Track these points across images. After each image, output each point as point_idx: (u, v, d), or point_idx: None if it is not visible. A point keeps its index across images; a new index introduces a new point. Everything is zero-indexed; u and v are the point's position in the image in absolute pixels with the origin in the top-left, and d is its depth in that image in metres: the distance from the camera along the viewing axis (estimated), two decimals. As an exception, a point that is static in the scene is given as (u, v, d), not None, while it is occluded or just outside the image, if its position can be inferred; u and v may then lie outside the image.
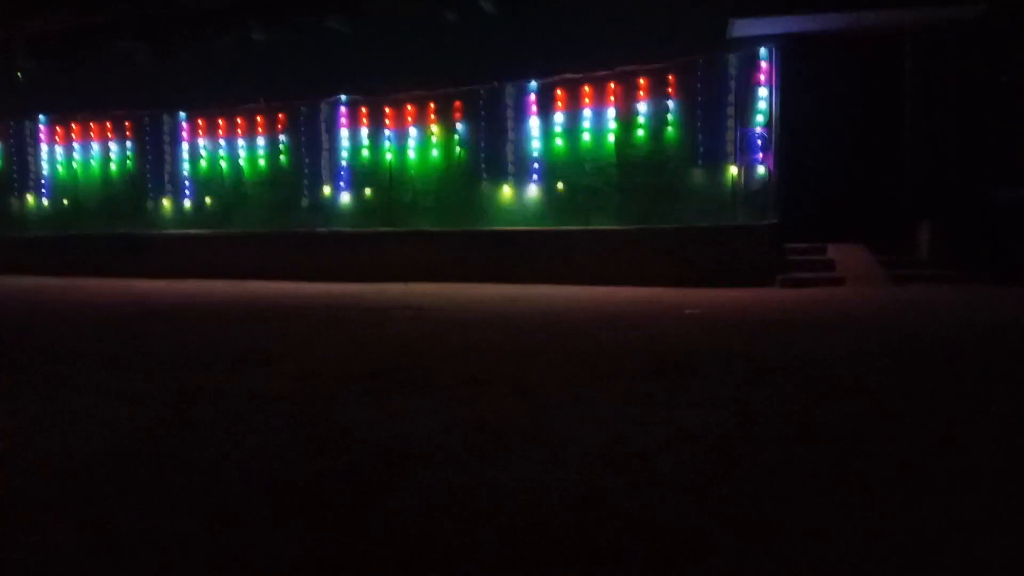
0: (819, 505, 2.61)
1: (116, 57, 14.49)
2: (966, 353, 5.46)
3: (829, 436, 3.40)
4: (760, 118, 10.83)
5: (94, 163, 15.31)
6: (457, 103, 12.43)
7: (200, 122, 14.30)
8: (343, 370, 5.10)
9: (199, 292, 11.07)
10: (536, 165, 12.06)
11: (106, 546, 2.40)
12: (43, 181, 15.82)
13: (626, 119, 11.53)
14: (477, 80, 12.27)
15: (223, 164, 14.21)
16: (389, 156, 13.04)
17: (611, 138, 11.64)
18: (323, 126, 13.41)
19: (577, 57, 11.60)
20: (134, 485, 2.96)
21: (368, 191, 13.21)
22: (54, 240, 15.04)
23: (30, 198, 15.96)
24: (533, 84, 11.97)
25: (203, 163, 14.38)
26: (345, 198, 13.39)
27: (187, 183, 14.55)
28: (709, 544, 2.32)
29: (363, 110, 13.12)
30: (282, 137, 13.70)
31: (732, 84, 10.90)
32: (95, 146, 15.25)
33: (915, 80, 10.56)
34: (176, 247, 13.93)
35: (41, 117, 15.60)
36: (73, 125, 15.30)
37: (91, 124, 15.18)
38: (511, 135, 12.16)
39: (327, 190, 13.50)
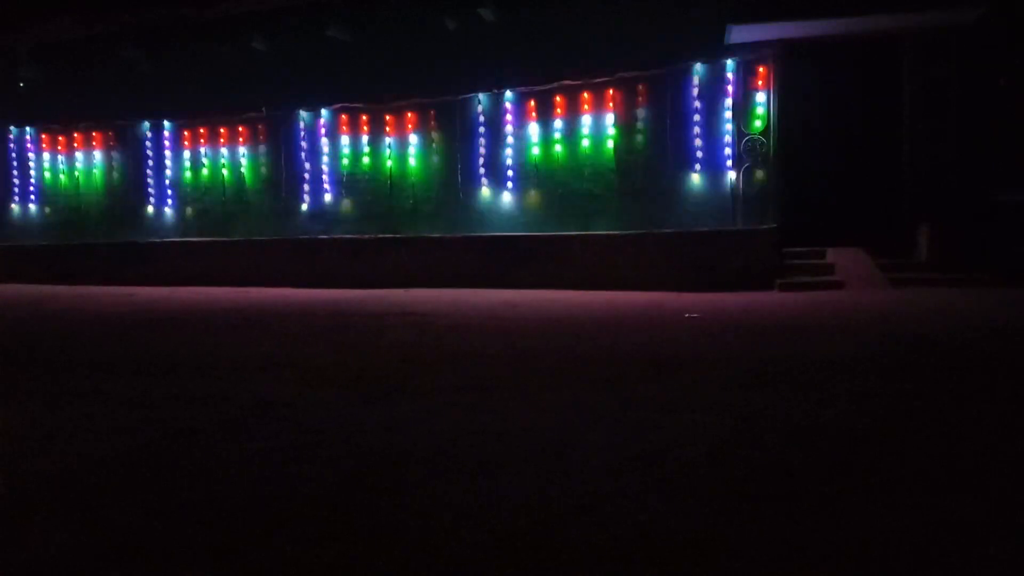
0: (820, 508, 2.63)
1: (116, 65, 14.55)
2: (966, 356, 5.47)
3: (829, 439, 3.42)
4: (758, 123, 10.87)
5: (96, 171, 15.37)
6: (455, 110, 12.49)
7: (201, 130, 14.38)
8: (344, 376, 5.12)
9: (201, 299, 11.09)
10: (535, 170, 12.10)
11: (106, 550, 2.42)
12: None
13: (625, 125, 11.57)
14: (477, 87, 12.33)
15: (224, 172, 14.27)
16: (390, 163, 13.09)
17: (610, 144, 11.68)
18: (322, 131, 13.47)
19: (576, 64, 11.65)
20: (135, 490, 2.98)
21: (369, 197, 13.28)
22: (57, 249, 15.06)
23: (31, 207, 16.00)
24: (532, 91, 12.01)
25: (204, 171, 14.45)
26: (346, 205, 13.45)
27: (186, 191, 14.63)
28: (710, 547, 2.33)
29: (363, 117, 13.18)
30: (282, 145, 13.78)
31: (730, 90, 10.94)
32: (96, 155, 15.30)
33: (914, 83, 10.59)
34: (179, 255, 13.95)
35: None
36: (75, 134, 15.35)
37: (93, 132, 15.24)
38: (511, 140, 12.20)
39: (328, 197, 13.56)
